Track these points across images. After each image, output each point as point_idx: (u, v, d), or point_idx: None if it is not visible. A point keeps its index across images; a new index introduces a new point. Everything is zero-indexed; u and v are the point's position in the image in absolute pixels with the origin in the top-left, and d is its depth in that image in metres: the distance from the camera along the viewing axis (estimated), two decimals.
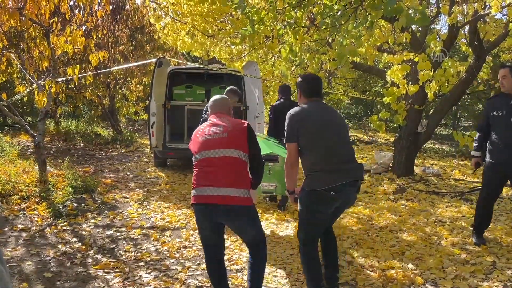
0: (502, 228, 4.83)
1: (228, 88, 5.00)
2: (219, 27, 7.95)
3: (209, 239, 2.95)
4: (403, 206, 5.83)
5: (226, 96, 3.39)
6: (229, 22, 7.85)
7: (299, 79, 3.33)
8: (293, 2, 3.39)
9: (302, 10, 3.48)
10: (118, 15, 10.77)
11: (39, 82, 6.69)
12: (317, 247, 3.15)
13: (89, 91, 11.51)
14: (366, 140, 12.62)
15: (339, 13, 3.16)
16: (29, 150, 9.56)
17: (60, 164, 8.02)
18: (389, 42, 7.10)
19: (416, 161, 7.99)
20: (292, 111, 3.10)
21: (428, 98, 5.74)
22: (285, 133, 3.07)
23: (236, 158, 2.83)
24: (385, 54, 5.96)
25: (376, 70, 8.00)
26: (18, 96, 6.78)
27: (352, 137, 13.00)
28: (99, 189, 6.45)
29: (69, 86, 12.11)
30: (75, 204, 5.56)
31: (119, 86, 12.60)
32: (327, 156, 2.97)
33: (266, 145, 4.70)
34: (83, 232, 4.71)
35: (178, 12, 8.28)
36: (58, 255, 4.05)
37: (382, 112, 6.89)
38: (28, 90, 6.94)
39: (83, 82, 7.25)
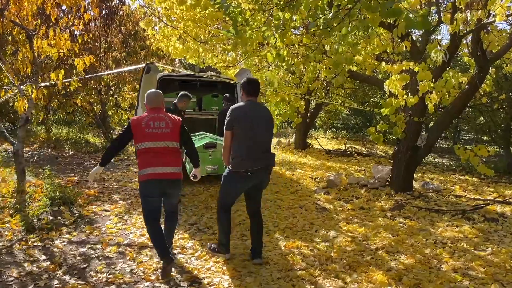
0: (507, 251, 4.48)
1: (182, 93, 6.26)
2: (212, 33, 7.67)
3: (155, 204, 3.90)
4: (401, 225, 5.48)
5: (160, 91, 4.12)
6: (222, 28, 7.57)
7: (243, 80, 4.08)
8: (281, 3, 3.09)
9: (291, 11, 3.19)
10: (110, 20, 10.50)
11: (20, 87, 6.38)
12: (230, 213, 4.17)
13: (79, 97, 11.20)
14: (364, 152, 12.27)
15: (330, 15, 2.86)
16: None
17: (43, 173, 7.67)
18: (388, 51, 6.81)
19: (415, 175, 7.66)
20: (233, 106, 3.98)
21: (428, 110, 5.43)
22: (226, 122, 3.90)
23: (174, 147, 3.90)
24: (383, 63, 5.67)
25: (374, 80, 7.69)
26: None
27: (349, 149, 12.69)
28: (79, 200, 6.10)
29: (60, 92, 11.83)
30: (51, 217, 5.20)
31: (111, 93, 12.31)
32: (249, 146, 3.83)
33: (209, 138, 6.44)
34: (55, 249, 4.35)
35: (172, 18, 8.02)
36: (21, 276, 3.70)
37: (380, 124, 6.57)
38: (9, 95, 6.62)
39: (74, 88, 6.94)
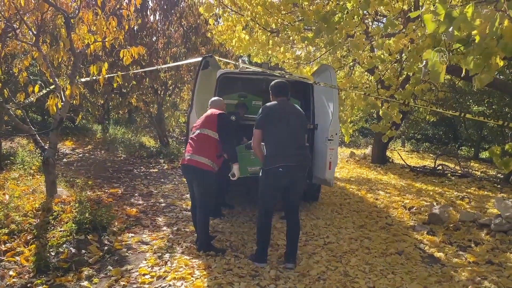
0: None
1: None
2: (285, 21, 6.20)
3: (190, 189, 4.46)
4: None
5: (221, 99, 4.62)
6: (299, 14, 6.07)
7: (271, 83, 4.16)
8: None
9: None
10: (170, 11, 9.43)
11: (56, 81, 5.34)
12: (270, 219, 4.06)
13: (135, 96, 10.27)
14: (460, 172, 10.10)
15: None
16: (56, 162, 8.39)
17: (85, 183, 6.67)
18: None
19: None
20: (265, 105, 4.06)
21: None
22: (256, 121, 4.00)
23: (206, 134, 4.19)
24: None
25: (502, 83, 5.75)
26: (32, 98, 5.47)
27: (440, 167, 10.60)
28: (116, 224, 4.91)
29: (117, 90, 11.03)
30: (73, 250, 4.02)
31: (169, 93, 11.30)
32: (280, 142, 3.89)
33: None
34: None
35: (238, 3, 6.68)
36: None
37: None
38: (44, 91, 5.63)
39: (119, 83, 5.85)
